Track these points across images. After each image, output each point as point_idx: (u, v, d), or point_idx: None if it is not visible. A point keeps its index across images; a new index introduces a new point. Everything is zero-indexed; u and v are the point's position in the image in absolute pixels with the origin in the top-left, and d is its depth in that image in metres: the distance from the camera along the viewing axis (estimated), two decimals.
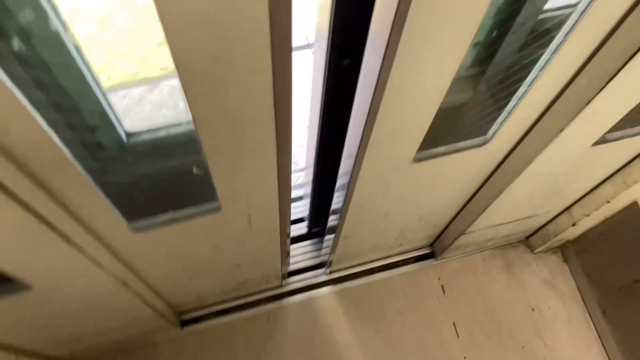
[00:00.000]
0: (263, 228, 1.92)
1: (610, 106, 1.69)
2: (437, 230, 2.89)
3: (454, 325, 2.97)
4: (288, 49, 0.97)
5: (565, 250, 3.19)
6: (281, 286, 2.92)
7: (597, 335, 3.02)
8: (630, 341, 2.81)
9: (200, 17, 0.85)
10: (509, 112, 1.68)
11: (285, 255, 2.37)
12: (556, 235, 2.91)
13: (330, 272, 2.98)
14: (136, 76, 3.39)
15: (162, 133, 1.37)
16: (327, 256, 2.76)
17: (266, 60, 0.97)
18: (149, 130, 1.37)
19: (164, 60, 3.34)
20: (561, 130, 1.74)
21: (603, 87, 1.53)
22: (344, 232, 2.31)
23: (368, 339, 2.88)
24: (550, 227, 2.95)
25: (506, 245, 3.22)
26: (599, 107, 1.64)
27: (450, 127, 1.74)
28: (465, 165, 1.99)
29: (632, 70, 1.47)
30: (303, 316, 2.88)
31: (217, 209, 1.62)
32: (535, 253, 3.19)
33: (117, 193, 1.38)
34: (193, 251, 1.94)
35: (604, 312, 2.94)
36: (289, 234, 2.18)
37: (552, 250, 3.22)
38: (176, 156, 1.43)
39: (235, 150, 1.32)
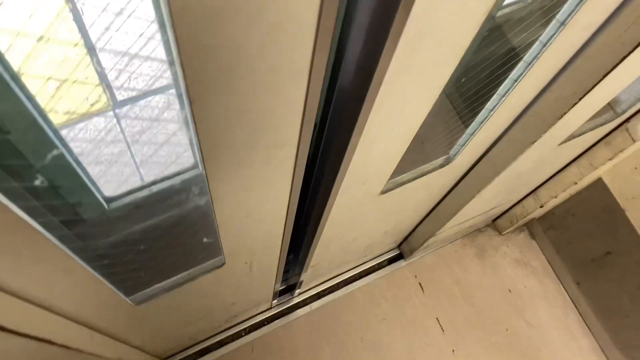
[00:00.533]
0: (263, 268, 1.88)
1: (579, 115, 1.67)
2: (403, 236, 2.87)
3: (438, 321, 2.98)
4: (311, 126, 1.02)
5: (532, 227, 3.24)
6: (271, 308, 2.85)
7: (573, 305, 3.11)
8: (605, 307, 2.89)
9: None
10: (472, 134, 1.65)
11: (280, 277, 2.31)
12: (524, 217, 2.94)
13: (303, 292, 2.92)
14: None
15: (145, 192, 1.25)
16: (299, 277, 2.70)
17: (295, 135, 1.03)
18: (130, 191, 1.25)
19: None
20: (533, 142, 1.71)
21: (576, 103, 1.50)
22: (313, 261, 2.25)
23: (355, 349, 2.85)
24: (517, 209, 2.98)
25: (475, 232, 3.24)
26: (570, 117, 1.61)
27: (414, 154, 1.70)
28: (430, 184, 1.97)
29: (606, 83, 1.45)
30: (287, 340, 2.82)
31: (221, 265, 1.57)
32: (504, 235, 3.23)
33: (109, 266, 1.26)
34: (193, 306, 1.89)
35: (577, 283, 3.02)
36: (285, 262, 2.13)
37: (519, 229, 3.26)
38: (165, 215, 1.32)
39: (250, 215, 1.32)
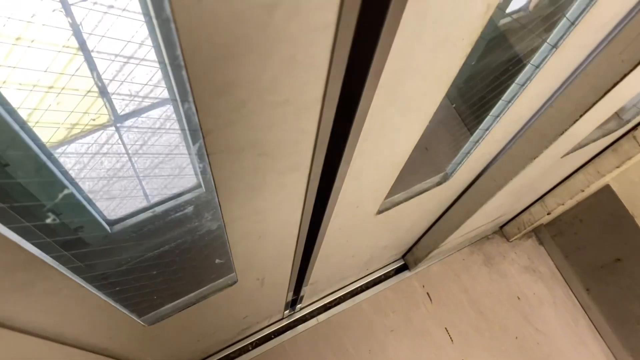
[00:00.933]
0: (274, 282, 1.88)
1: (581, 129, 1.62)
2: (405, 248, 2.84)
3: (447, 330, 2.94)
4: (323, 150, 1.04)
5: (540, 233, 3.18)
6: (282, 319, 2.83)
7: (583, 311, 3.05)
8: (617, 313, 2.84)
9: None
10: (468, 153, 1.61)
11: (293, 288, 2.29)
12: (531, 224, 2.89)
13: (304, 307, 2.89)
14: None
15: (148, 214, 1.24)
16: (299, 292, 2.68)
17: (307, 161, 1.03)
18: (133, 213, 1.24)
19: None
20: (534, 158, 1.67)
21: (576, 120, 1.46)
22: (312, 279, 2.23)
23: None
24: (524, 216, 2.93)
25: (482, 239, 3.19)
26: (572, 132, 1.57)
27: (410, 173, 1.67)
28: (428, 201, 1.93)
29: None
30: (294, 353, 2.79)
31: (233, 283, 1.57)
32: (511, 241, 3.18)
33: (121, 291, 1.26)
34: (205, 322, 1.89)
35: (587, 289, 2.96)
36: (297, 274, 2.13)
37: (527, 235, 3.21)
38: (178, 240, 1.32)
39: (263, 236, 1.33)
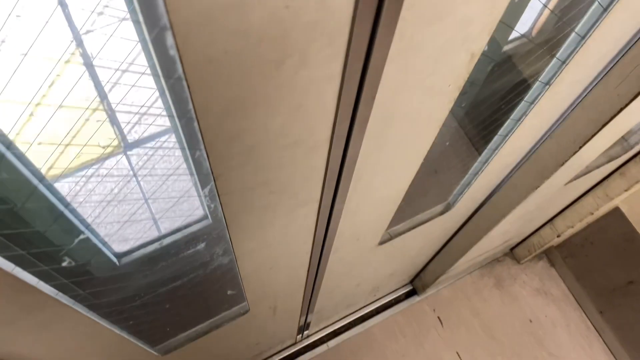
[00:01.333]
0: (286, 309, 1.88)
1: (582, 160, 1.62)
2: (413, 274, 2.82)
3: (458, 355, 2.90)
4: (332, 188, 1.06)
5: (551, 255, 3.15)
6: (295, 343, 2.82)
7: (597, 334, 3.00)
8: (631, 337, 2.79)
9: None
10: (469, 184, 1.61)
11: (305, 312, 2.29)
12: (541, 246, 2.86)
13: (312, 334, 2.88)
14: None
15: (155, 246, 1.26)
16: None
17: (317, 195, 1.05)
18: (141, 246, 1.25)
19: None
20: (536, 188, 1.66)
21: (576, 151, 1.46)
22: (317, 307, 2.23)
23: None
24: (534, 239, 2.90)
25: (492, 262, 3.17)
26: (573, 162, 1.56)
27: (409, 204, 1.67)
28: (431, 231, 1.93)
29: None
30: None
31: (245, 312, 1.58)
32: (522, 263, 3.15)
33: (134, 324, 1.27)
34: (217, 350, 1.89)
35: (601, 312, 2.92)
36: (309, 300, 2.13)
37: (538, 257, 3.18)
38: (182, 270, 1.33)
39: (274, 267, 1.34)
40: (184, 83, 0.58)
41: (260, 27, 0.54)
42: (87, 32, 0.68)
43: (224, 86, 0.61)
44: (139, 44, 0.61)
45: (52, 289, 0.88)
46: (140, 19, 0.53)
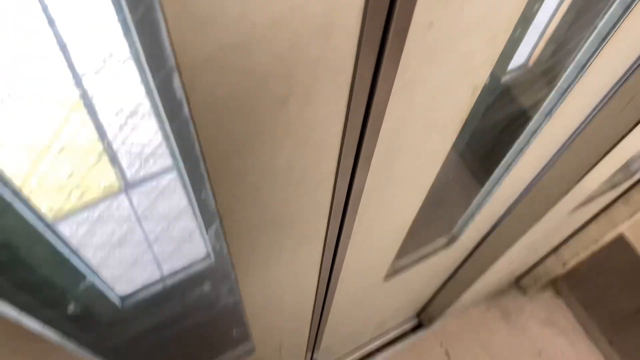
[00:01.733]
0: (293, 346, 1.84)
1: (586, 186, 1.62)
2: (419, 307, 2.79)
3: None
4: (337, 223, 1.06)
5: (557, 285, 3.11)
6: None
7: None
8: None
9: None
10: (472, 216, 1.60)
11: (311, 349, 2.25)
12: (547, 276, 2.83)
13: None
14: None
15: (158, 287, 1.23)
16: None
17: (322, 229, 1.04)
18: (144, 287, 1.23)
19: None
20: (540, 218, 1.66)
21: (579, 179, 1.46)
22: (323, 344, 2.19)
23: None
24: (540, 269, 2.88)
25: (498, 293, 3.13)
26: (575, 191, 1.56)
27: (414, 237, 1.67)
28: (436, 263, 1.91)
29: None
30: None
31: (251, 351, 1.54)
32: (528, 294, 3.11)
33: None
34: None
35: (610, 342, 2.87)
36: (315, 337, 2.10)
37: (544, 287, 3.14)
38: (183, 307, 1.31)
39: (280, 304, 1.33)
40: (190, 124, 0.58)
41: (266, 66, 0.55)
42: (89, 74, 0.68)
43: (231, 124, 0.61)
44: (143, 86, 0.61)
45: (55, 336, 0.86)
46: (143, 60, 0.53)
